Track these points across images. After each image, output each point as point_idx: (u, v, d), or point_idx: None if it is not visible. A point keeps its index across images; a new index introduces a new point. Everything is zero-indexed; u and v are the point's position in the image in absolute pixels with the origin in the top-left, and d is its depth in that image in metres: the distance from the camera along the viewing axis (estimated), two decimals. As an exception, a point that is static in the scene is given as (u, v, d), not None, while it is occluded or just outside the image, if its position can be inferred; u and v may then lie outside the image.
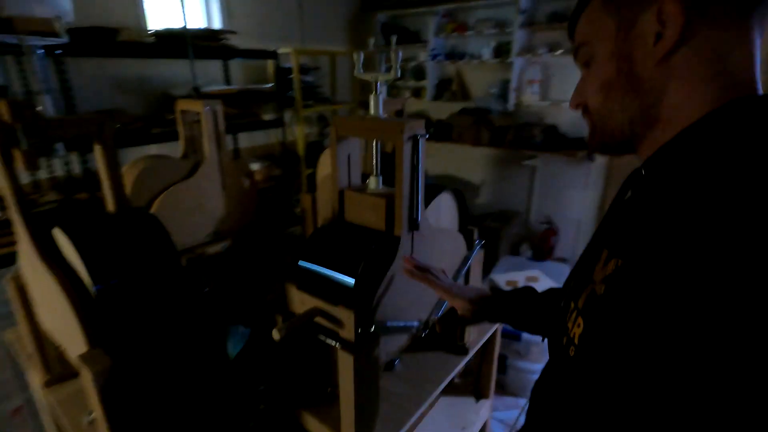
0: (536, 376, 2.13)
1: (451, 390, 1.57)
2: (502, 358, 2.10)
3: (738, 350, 0.32)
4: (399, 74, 0.72)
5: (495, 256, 3.01)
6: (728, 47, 0.42)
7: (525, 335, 2.04)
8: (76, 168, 1.94)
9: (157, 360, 0.77)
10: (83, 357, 0.68)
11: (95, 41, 1.85)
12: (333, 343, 0.74)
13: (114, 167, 0.87)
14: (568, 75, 3.03)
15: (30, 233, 0.76)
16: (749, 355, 0.31)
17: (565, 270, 2.57)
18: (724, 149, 0.39)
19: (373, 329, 0.73)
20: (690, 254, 0.35)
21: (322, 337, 0.80)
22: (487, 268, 2.72)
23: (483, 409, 1.51)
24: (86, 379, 0.66)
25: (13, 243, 1.58)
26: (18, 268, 0.93)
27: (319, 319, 0.75)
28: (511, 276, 2.34)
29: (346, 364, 0.71)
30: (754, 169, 0.35)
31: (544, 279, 2.29)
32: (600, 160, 3.07)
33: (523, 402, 2.12)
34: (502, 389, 2.17)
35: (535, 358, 2.06)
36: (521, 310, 0.78)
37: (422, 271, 0.79)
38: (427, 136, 0.73)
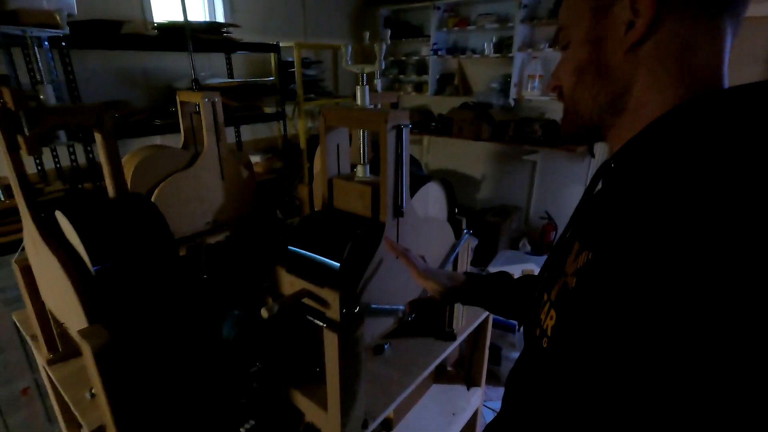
0: (530, 368, 2.14)
1: (444, 378, 1.61)
2: (497, 350, 2.13)
3: (704, 340, 0.32)
4: (383, 66, 0.74)
5: (494, 250, 3.03)
6: (697, 42, 0.43)
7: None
8: (81, 158, 1.99)
9: (154, 338, 0.81)
10: (83, 332, 0.72)
11: (99, 33, 1.89)
12: (320, 323, 0.77)
13: (114, 155, 0.91)
14: (569, 70, 3.03)
15: (33, 216, 0.80)
16: (717, 345, 0.31)
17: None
18: (689, 144, 0.40)
19: (357, 310, 0.76)
20: (653, 249, 0.36)
21: (310, 318, 0.84)
22: (485, 261, 2.75)
23: (474, 397, 1.54)
24: (86, 352, 0.70)
25: (18, 230, 1.64)
26: (24, 252, 0.97)
27: (306, 300, 0.79)
28: (508, 269, 2.36)
29: (331, 342, 0.74)
30: (717, 165, 0.36)
31: (540, 272, 2.32)
32: (601, 156, 3.07)
33: (517, 392, 2.16)
34: (497, 380, 2.21)
35: (529, 349, 2.10)
36: (494, 294, 0.80)
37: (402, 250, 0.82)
38: (410, 126, 0.76)
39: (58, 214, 0.79)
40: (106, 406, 0.74)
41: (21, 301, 1.64)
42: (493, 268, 2.43)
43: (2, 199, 0.78)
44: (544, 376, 0.50)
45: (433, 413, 1.44)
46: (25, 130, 0.70)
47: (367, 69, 0.78)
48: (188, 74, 2.56)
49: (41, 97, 0.76)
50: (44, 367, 1.07)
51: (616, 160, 0.49)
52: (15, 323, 1.66)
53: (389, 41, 0.78)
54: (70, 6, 1.59)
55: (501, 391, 2.14)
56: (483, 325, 1.41)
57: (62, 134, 0.77)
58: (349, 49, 0.81)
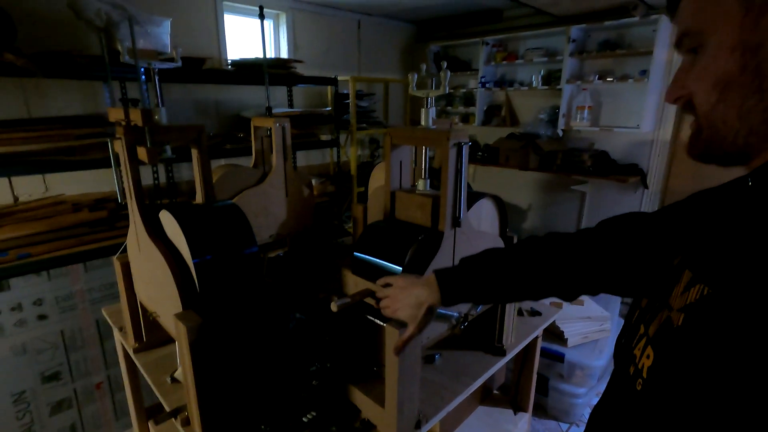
0: (579, 401, 2.10)
1: (491, 401, 1.60)
2: (544, 380, 2.08)
3: None
4: (447, 91, 0.84)
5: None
6: None
7: (568, 357, 2.02)
8: (161, 177, 2.23)
9: (234, 327, 0.91)
10: (179, 315, 0.83)
11: (186, 69, 2.15)
12: (380, 322, 0.84)
13: (206, 168, 1.05)
14: (619, 101, 3.03)
15: (142, 215, 0.94)
16: None
17: (612, 297, 2.51)
18: None
19: (416, 310, 0.82)
20: None
21: (371, 318, 0.91)
22: (532, 290, 2.71)
23: (521, 422, 1.53)
24: (180, 331, 0.81)
25: (108, 239, 1.84)
26: (124, 252, 1.13)
27: (369, 300, 0.86)
28: (556, 299, 2.33)
29: (392, 338, 0.81)
30: None
31: (590, 303, 2.26)
32: (654, 187, 2.99)
33: (565, 427, 2.08)
34: (544, 412, 2.14)
35: (578, 381, 2.03)
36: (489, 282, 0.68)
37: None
38: (469, 144, 0.84)
39: (164, 214, 0.92)
40: (191, 381, 0.84)
41: (103, 302, 1.83)
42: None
43: (120, 201, 0.93)
44: (637, 421, 0.44)
45: (479, 434, 1.44)
46: (148, 143, 0.85)
47: (432, 93, 0.87)
48: (254, 104, 2.82)
49: (156, 117, 0.92)
50: (130, 355, 1.20)
51: (758, 179, 0.41)
52: (96, 322, 1.85)
53: (449, 73, 0.88)
54: (166, 46, 1.85)
55: (548, 423, 2.08)
56: (532, 346, 1.42)
57: (168, 149, 0.91)
58: (415, 77, 0.92)
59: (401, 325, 0.80)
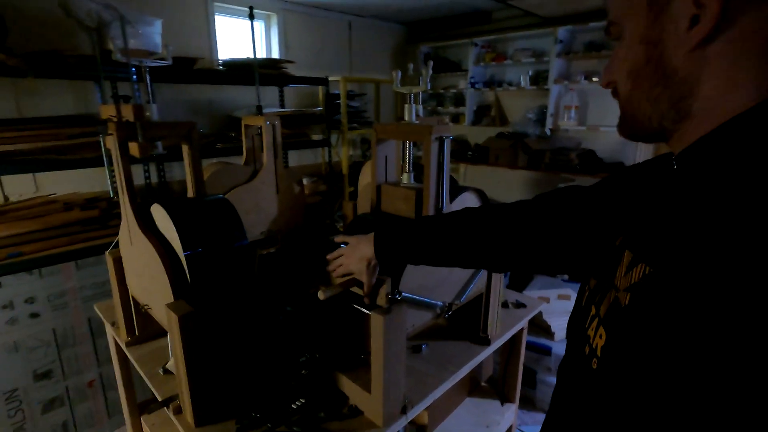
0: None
1: (478, 393, 1.64)
2: (532, 373, 2.12)
3: None
4: (428, 86, 0.87)
5: (530, 275, 3.03)
6: None
7: (555, 350, 2.06)
8: (153, 177, 2.25)
9: (224, 317, 0.94)
10: (171, 305, 0.86)
11: (177, 69, 2.17)
12: (366, 311, 0.87)
13: (197, 163, 1.07)
14: (606, 101, 3.09)
15: (133, 208, 0.97)
16: None
17: (600, 292, 2.56)
18: None
19: (400, 297, 0.86)
20: (736, 274, 0.31)
21: (357, 307, 0.94)
22: (521, 286, 2.76)
23: (508, 413, 1.56)
24: (172, 321, 0.83)
25: (100, 237, 1.84)
26: (116, 248, 1.15)
27: (355, 289, 0.89)
28: (544, 293, 2.37)
29: (377, 324, 0.84)
30: None
31: (577, 297, 2.30)
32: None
33: (553, 419, 2.12)
34: (533, 405, 2.18)
35: (565, 374, 2.07)
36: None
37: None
38: (451, 138, 0.87)
39: (155, 208, 0.95)
40: (183, 370, 0.86)
41: (95, 300, 1.84)
42: (528, 293, 2.44)
43: (112, 195, 0.95)
44: (595, 399, 0.46)
45: (467, 424, 1.48)
46: (140, 137, 0.87)
47: (415, 90, 0.91)
48: (246, 104, 2.85)
49: (147, 113, 0.94)
50: (122, 349, 1.22)
51: (681, 162, 0.44)
52: (88, 320, 1.86)
53: (431, 70, 0.91)
54: (157, 46, 1.87)
55: (536, 416, 2.12)
56: (517, 337, 1.45)
57: (159, 145, 0.93)
58: (399, 74, 0.95)
59: (385, 312, 0.83)
